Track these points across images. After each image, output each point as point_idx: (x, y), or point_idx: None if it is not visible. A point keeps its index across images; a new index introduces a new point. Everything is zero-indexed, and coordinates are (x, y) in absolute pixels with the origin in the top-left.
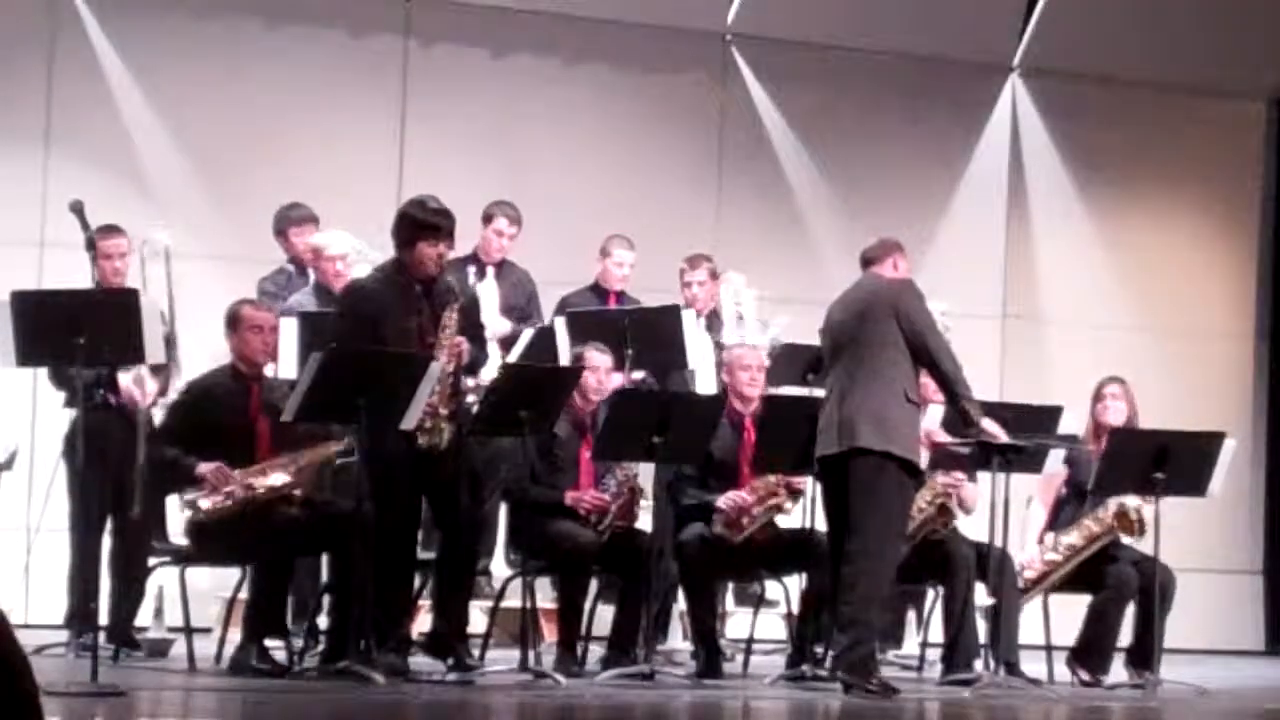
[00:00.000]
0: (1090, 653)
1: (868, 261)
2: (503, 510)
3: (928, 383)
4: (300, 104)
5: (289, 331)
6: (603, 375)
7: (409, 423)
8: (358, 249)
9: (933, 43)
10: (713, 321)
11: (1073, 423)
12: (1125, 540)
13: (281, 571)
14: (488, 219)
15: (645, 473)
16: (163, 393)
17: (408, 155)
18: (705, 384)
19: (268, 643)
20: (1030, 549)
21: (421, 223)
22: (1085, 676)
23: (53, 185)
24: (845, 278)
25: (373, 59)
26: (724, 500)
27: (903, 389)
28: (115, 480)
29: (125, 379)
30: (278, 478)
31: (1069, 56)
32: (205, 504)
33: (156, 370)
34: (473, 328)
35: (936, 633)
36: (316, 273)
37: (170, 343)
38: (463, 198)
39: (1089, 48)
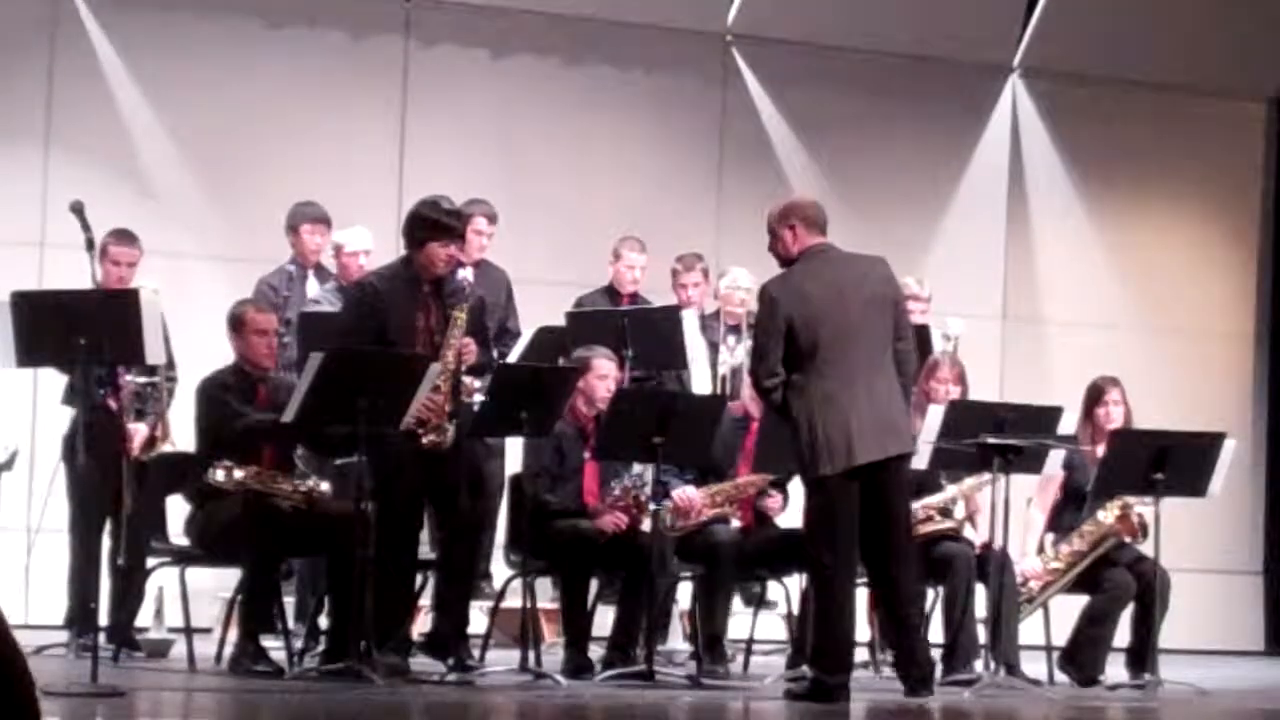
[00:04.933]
0: (1082, 654)
1: (824, 225)
2: (503, 510)
3: (938, 386)
4: (301, 104)
5: None
6: (611, 383)
7: (403, 423)
8: None
9: (933, 43)
10: (707, 322)
11: (1073, 423)
12: (1126, 540)
13: (272, 567)
14: (465, 218)
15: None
16: (150, 443)
17: (408, 155)
18: (700, 384)
19: (268, 643)
20: (1031, 559)
21: (434, 223)
22: (1076, 677)
23: (53, 185)
24: None
25: (373, 59)
26: (677, 494)
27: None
28: (115, 481)
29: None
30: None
31: (1069, 56)
32: (220, 476)
33: (143, 416)
34: (480, 330)
35: (936, 633)
36: (339, 269)
37: (170, 393)
38: (463, 198)
39: (1089, 48)
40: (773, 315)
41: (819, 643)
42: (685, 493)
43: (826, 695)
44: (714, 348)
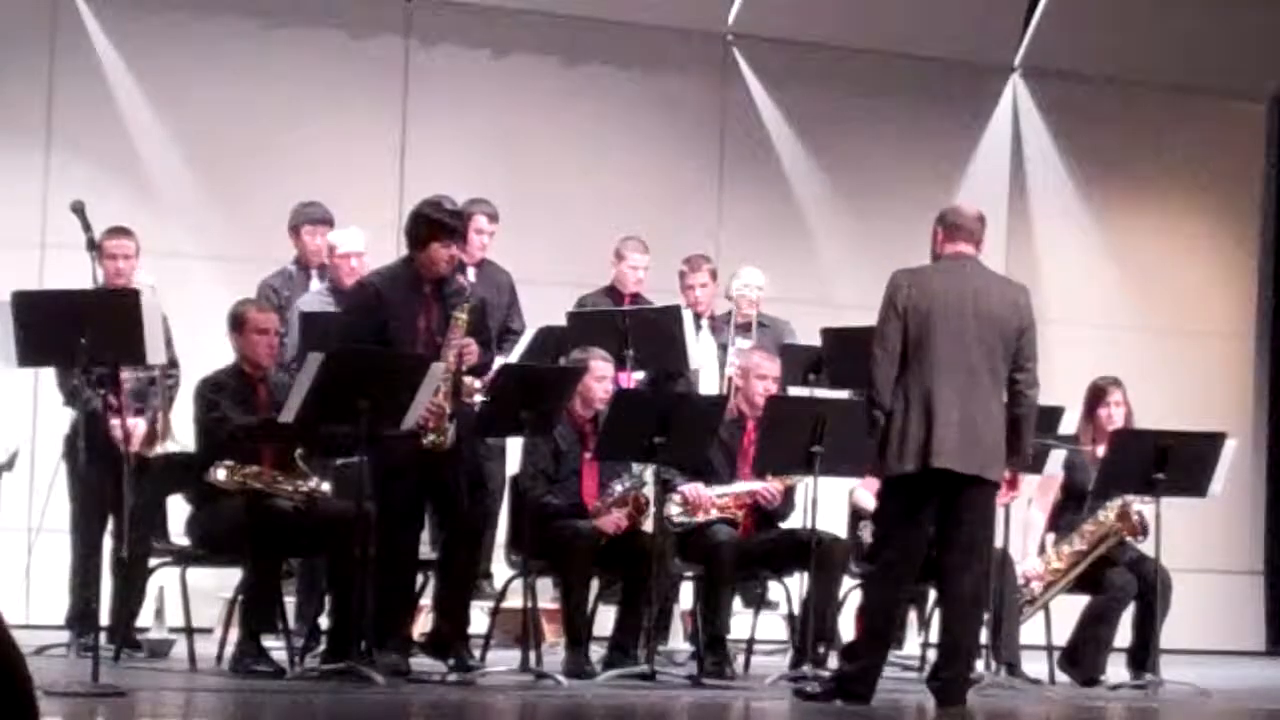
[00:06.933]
0: (1082, 655)
1: (973, 236)
2: (504, 510)
3: None
4: (301, 104)
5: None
6: (608, 385)
7: (407, 423)
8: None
9: (933, 43)
10: (716, 323)
11: (1073, 423)
12: (1126, 540)
13: (274, 567)
14: (466, 218)
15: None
16: (150, 440)
17: (408, 155)
18: (709, 385)
19: (268, 643)
20: (1033, 560)
21: (437, 223)
22: (1077, 677)
23: (53, 185)
24: (846, 277)
25: (373, 59)
26: (687, 488)
27: None
28: (116, 481)
29: (114, 425)
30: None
31: (1069, 56)
32: (221, 475)
33: (142, 413)
34: (481, 330)
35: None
36: (330, 270)
37: (172, 393)
38: (463, 197)
39: (1089, 48)
40: (893, 299)
41: (858, 638)
42: (696, 489)
43: (850, 692)
44: (723, 349)
